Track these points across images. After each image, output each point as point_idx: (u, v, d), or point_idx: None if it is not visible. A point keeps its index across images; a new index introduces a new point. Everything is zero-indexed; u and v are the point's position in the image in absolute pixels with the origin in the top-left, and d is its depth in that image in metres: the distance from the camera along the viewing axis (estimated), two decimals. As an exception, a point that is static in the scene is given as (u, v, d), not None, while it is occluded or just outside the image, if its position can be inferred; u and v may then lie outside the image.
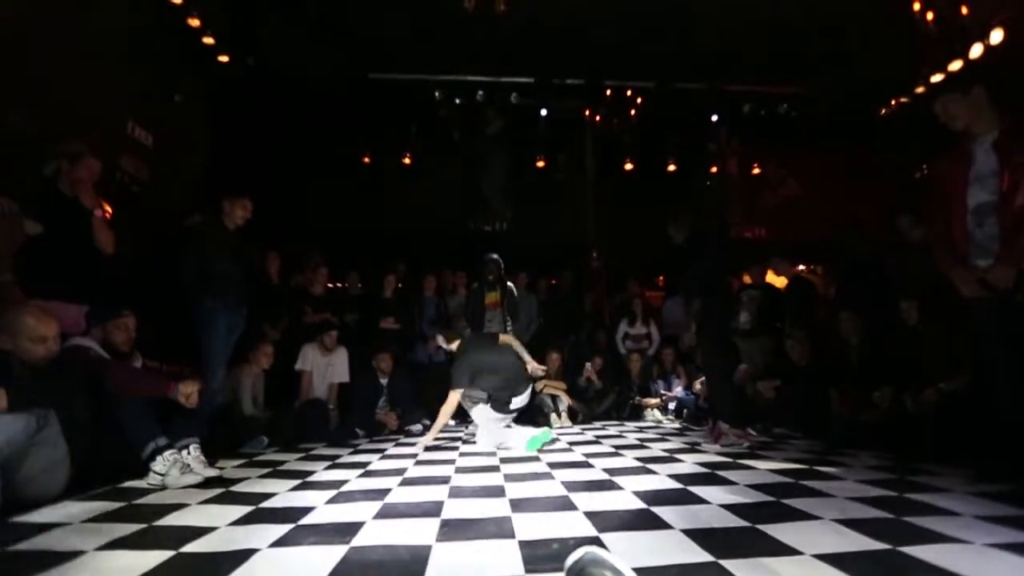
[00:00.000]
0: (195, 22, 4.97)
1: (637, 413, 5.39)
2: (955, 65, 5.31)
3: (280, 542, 1.66)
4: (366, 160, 7.07)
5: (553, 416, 4.95)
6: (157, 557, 1.51)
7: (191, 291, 3.19)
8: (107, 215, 2.79)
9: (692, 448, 3.39)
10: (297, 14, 4.96)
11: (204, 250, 3.30)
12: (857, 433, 3.25)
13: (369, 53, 5.57)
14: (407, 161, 7.13)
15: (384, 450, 3.56)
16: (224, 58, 5.37)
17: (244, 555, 1.53)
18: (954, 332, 3.15)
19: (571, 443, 3.72)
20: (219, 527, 1.82)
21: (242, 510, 2.03)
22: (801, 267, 6.94)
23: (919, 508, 1.87)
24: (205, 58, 5.31)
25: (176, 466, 2.41)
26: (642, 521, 1.81)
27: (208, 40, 5.16)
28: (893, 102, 6.30)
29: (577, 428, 4.67)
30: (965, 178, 2.23)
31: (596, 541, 1.61)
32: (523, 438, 3.30)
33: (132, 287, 3.47)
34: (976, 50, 5.10)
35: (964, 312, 2.42)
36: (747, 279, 5.38)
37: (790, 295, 5.14)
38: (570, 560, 1.08)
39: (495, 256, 5.05)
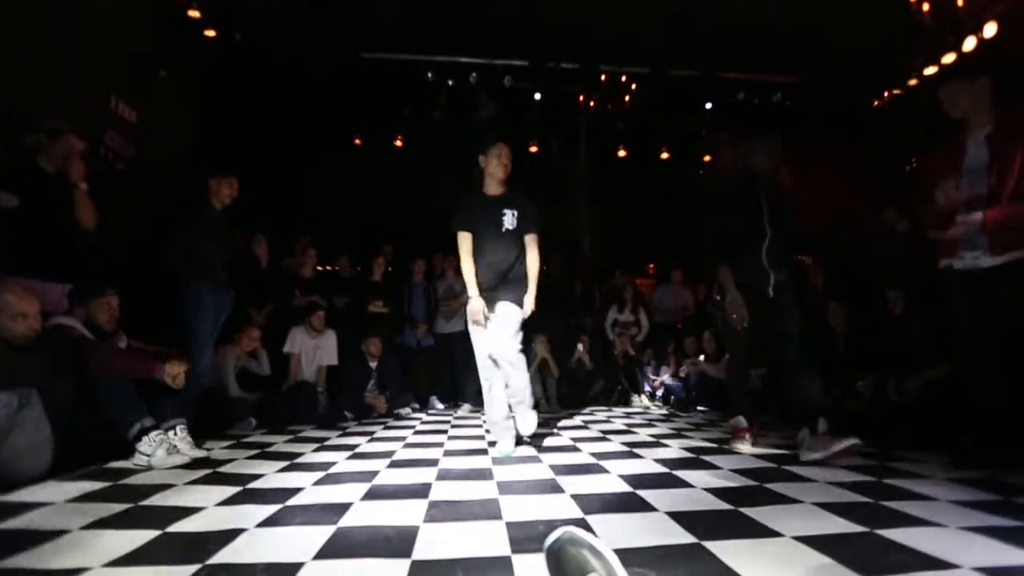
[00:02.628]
0: (180, -6, 4.84)
1: (625, 399, 5.45)
2: (948, 58, 5.32)
3: (267, 522, 1.67)
4: (357, 141, 6.97)
5: (543, 402, 4.99)
6: (143, 536, 1.51)
7: (178, 272, 3.15)
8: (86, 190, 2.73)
9: (678, 434, 3.43)
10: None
11: (191, 230, 3.24)
12: (840, 421, 3.31)
13: (361, 31, 5.45)
14: (398, 143, 7.04)
15: (373, 432, 3.57)
16: (211, 32, 5.22)
17: (231, 535, 1.54)
18: (937, 322, 3.21)
19: (559, 427, 3.75)
20: (206, 507, 1.82)
21: (229, 491, 2.02)
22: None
23: (897, 493, 1.91)
24: (191, 33, 5.17)
25: (163, 447, 2.40)
26: (627, 504, 1.84)
27: (193, 13, 5.02)
28: (886, 94, 6.32)
29: (565, 413, 4.71)
30: (956, 171, 2.25)
31: (582, 523, 1.63)
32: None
33: (117, 266, 3.42)
34: (970, 43, 5.11)
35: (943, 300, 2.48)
36: None
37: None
38: (549, 540, 1.09)
39: None
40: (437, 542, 1.49)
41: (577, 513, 1.73)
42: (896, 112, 6.23)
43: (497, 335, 2.81)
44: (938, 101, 2.35)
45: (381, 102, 6.30)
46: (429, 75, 5.98)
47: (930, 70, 5.61)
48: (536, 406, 4.85)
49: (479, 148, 2.93)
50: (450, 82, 6.08)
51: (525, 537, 1.52)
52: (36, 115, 2.96)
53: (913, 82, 5.93)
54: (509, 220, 2.86)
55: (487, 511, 1.76)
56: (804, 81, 6.30)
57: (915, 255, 3.61)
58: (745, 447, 2.77)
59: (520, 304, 2.86)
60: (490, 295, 2.85)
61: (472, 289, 2.84)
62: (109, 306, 2.65)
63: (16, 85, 3.29)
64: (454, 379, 5.34)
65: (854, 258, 4.68)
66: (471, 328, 2.93)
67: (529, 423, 2.81)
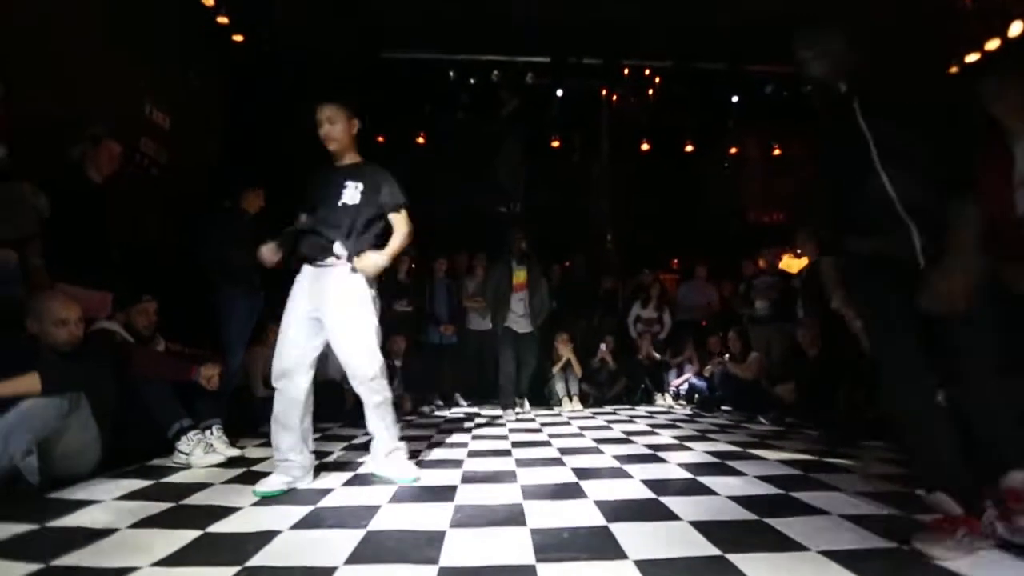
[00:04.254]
0: (209, 2, 4.95)
1: (648, 398, 5.43)
2: (992, 44, 5.07)
3: (301, 524, 1.74)
4: (380, 139, 7.04)
5: (565, 400, 5.01)
6: (186, 536, 1.59)
7: (212, 277, 3.26)
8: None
9: (703, 436, 3.41)
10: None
11: (224, 237, 3.35)
12: (865, 427, 3.24)
13: (382, 32, 5.50)
14: (421, 141, 7.09)
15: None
16: (239, 37, 5.34)
17: (268, 536, 1.61)
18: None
19: (582, 428, 3.77)
20: (242, 507, 1.90)
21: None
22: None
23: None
24: (220, 38, 5.29)
25: (200, 446, 2.51)
26: (651, 511, 1.85)
27: (223, 20, 5.14)
28: (923, 82, 6.05)
29: (588, 412, 4.72)
30: (1009, 183, 2.07)
31: (604, 531, 1.65)
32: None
33: (154, 270, 3.56)
34: (1016, 28, 4.86)
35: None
36: (761, 264, 5.31)
37: (810, 279, 4.97)
38: None
39: (521, 232, 4.81)
40: (463, 548, 1.53)
41: (600, 520, 1.75)
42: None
43: (341, 346, 2.26)
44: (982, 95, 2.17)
45: (403, 101, 6.35)
46: (451, 74, 6.00)
47: (972, 57, 5.36)
48: (559, 402, 4.93)
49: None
50: (472, 80, 6.08)
51: (549, 545, 1.55)
52: (79, 124, 3.09)
53: (954, 69, 5.67)
54: (350, 194, 2.32)
55: (512, 516, 1.80)
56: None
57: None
58: (950, 552, 1.40)
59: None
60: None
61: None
62: (147, 312, 2.78)
63: (59, 95, 3.43)
64: (481, 377, 5.41)
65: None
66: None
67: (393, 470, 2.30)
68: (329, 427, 3.75)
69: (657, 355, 5.55)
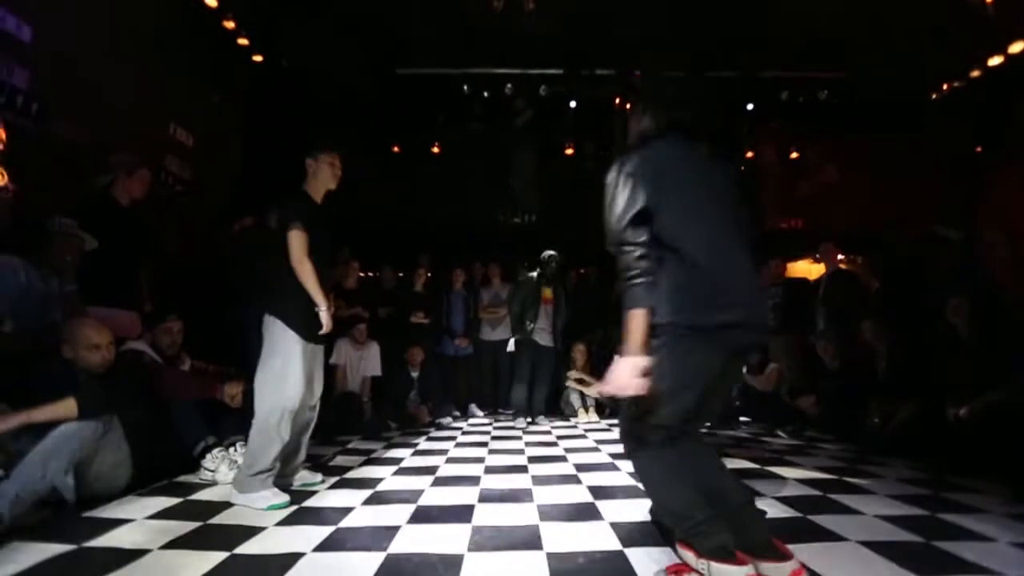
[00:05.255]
0: (230, 24, 5.10)
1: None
2: (1017, 47, 4.96)
3: (323, 546, 1.79)
4: (396, 149, 7.15)
5: (580, 411, 5.02)
6: (215, 558, 1.66)
7: (243, 294, 3.35)
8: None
9: (720, 452, 3.39)
10: (325, 11, 5.02)
11: (254, 254, 3.44)
12: (890, 442, 3.19)
13: (396, 48, 5.60)
14: (436, 150, 7.18)
15: (416, 444, 3.70)
16: (258, 58, 5.50)
17: (292, 559, 1.66)
18: (999, 338, 3.03)
19: (598, 442, 3.77)
20: (267, 527, 1.96)
21: (287, 509, 2.17)
22: (840, 256, 6.74)
23: (951, 531, 1.85)
24: (240, 59, 5.45)
25: (225, 462, 2.59)
26: (665, 535, 1.85)
27: (243, 41, 5.29)
28: (945, 87, 5.95)
29: (604, 424, 4.71)
30: None
31: (619, 555, 1.67)
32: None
33: (178, 288, 3.67)
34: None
35: (1012, 318, 2.30)
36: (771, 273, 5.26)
37: (831, 289, 4.88)
38: None
39: (554, 253, 4.91)
40: (481, 573, 1.56)
41: (616, 544, 1.76)
42: (956, 106, 5.86)
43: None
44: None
45: (418, 116, 6.45)
46: (464, 88, 6.07)
47: (995, 60, 5.25)
48: (574, 413, 4.94)
49: (309, 150, 2.51)
50: (485, 94, 6.15)
51: (565, 570, 1.57)
52: (104, 152, 3.21)
53: (976, 73, 5.56)
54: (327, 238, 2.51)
55: (528, 540, 1.82)
56: (853, 74, 6.01)
57: (974, 267, 3.42)
58: None
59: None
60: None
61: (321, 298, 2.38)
62: (171, 331, 2.87)
63: (88, 118, 3.57)
64: (497, 387, 5.44)
65: (911, 263, 4.45)
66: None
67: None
68: (349, 439, 3.82)
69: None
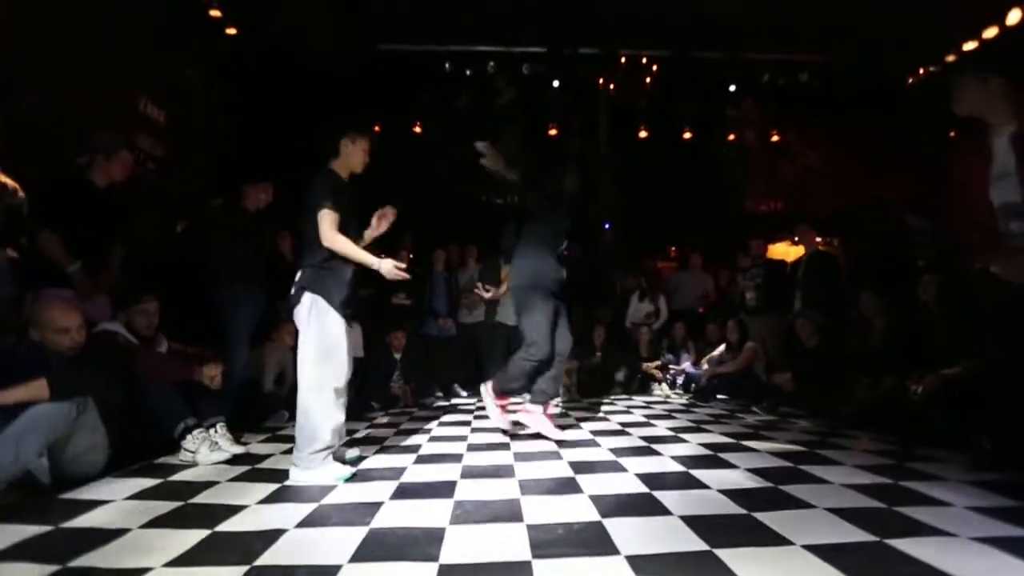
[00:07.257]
0: (202, -6, 4.91)
1: (645, 387, 5.50)
2: (990, 32, 5.05)
3: (306, 522, 1.80)
4: (376, 129, 7.01)
5: (562, 389, 5.07)
6: (195, 536, 1.65)
7: (217, 276, 3.29)
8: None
9: (697, 427, 3.48)
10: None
11: (227, 235, 3.37)
12: (859, 416, 3.31)
13: (377, 24, 5.46)
14: (417, 130, 7.05)
15: (399, 424, 3.72)
16: (232, 30, 5.30)
17: (274, 535, 1.67)
18: (963, 315, 3.13)
19: (579, 419, 3.84)
20: (249, 505, 1.96)
21: (268, 488, 2.17)
22: (818, 239, 6.87)
23: (912, 498, 1.94)
24: (214, 32, 5.25)
25: (205, 443, 2.57)
26: (643, 506, 1.91)
27: (215, 13, 5.09)
28: (921, 71, 6.04)
29: (586, 402, 4.78)
30: (987, 176, 2.14)
31: (598, 526, 1.72)
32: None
33: (154, 268, 3.58)
34: (1014, 16, 4.83)
35: (974, 295, 2.37)
36: (749, 256, 5.37)
37: (809, 270, 4.99)
38: None
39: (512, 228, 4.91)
40: (462, 545, 1.59)
41: (595, 515, 1.81)
42: (933, 89, 5.96)
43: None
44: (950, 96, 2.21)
45: (400, 93, 6.32)
46: (447, 65, 5.96)
47: (970, 45, 5.33)
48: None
49: (341, 132, 2.53)
50: (468, 71, 6.05)
51: (545, 541, 1.61)
52: (82, 133, 3.09)
53: (951, 58, 5.65)
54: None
55: (509, 512, 1.86)
56: (833, 58, 6.06)
57: (946, 249, 3.52)
58: None
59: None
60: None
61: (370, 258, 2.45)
62: (147, 312, 2.81)
63: (54, 92, 3.42)
64: (478, 368, 5.47)
65: (885, 244, 4.57)
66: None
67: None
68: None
69: (659, 361, 5.59)
